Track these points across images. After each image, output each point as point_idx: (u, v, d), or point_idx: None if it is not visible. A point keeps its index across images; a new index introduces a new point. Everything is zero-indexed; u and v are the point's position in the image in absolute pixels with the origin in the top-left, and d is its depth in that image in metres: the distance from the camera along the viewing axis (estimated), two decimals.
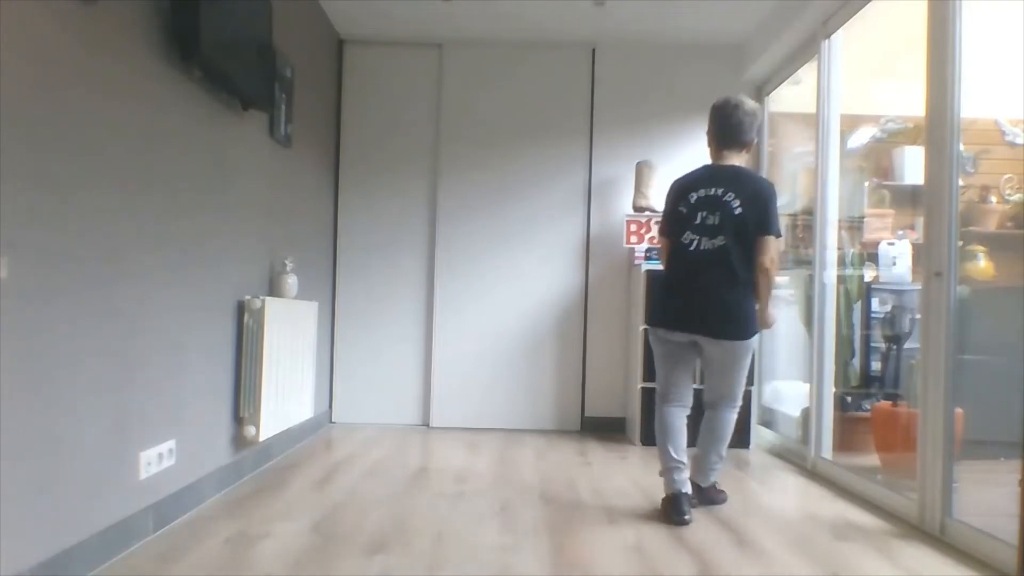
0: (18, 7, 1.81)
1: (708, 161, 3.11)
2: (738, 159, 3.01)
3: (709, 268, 2.87)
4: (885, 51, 4.19)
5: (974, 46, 2.79)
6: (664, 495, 2.97)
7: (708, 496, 3.12)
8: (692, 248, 2.91)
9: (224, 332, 3.11)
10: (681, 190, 3.02)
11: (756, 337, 2.94)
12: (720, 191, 2.90)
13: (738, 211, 2.85)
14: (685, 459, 2.97)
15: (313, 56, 4.37)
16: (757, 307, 2.92)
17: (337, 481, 3.39)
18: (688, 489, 2.94)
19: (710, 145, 3.08)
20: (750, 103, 3.01)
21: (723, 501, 3.15)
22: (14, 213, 1.81)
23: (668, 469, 2.96)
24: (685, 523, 2.84)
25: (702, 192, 2.93)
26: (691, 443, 3.07)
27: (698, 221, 2.90)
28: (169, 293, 2.62)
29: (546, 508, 3.05)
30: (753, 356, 3.03)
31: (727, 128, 2.98)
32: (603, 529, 2.78)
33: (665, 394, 3.06)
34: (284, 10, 3.67)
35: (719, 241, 2.86)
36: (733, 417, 3.07)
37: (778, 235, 2.89)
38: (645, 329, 4.42)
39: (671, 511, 2.88)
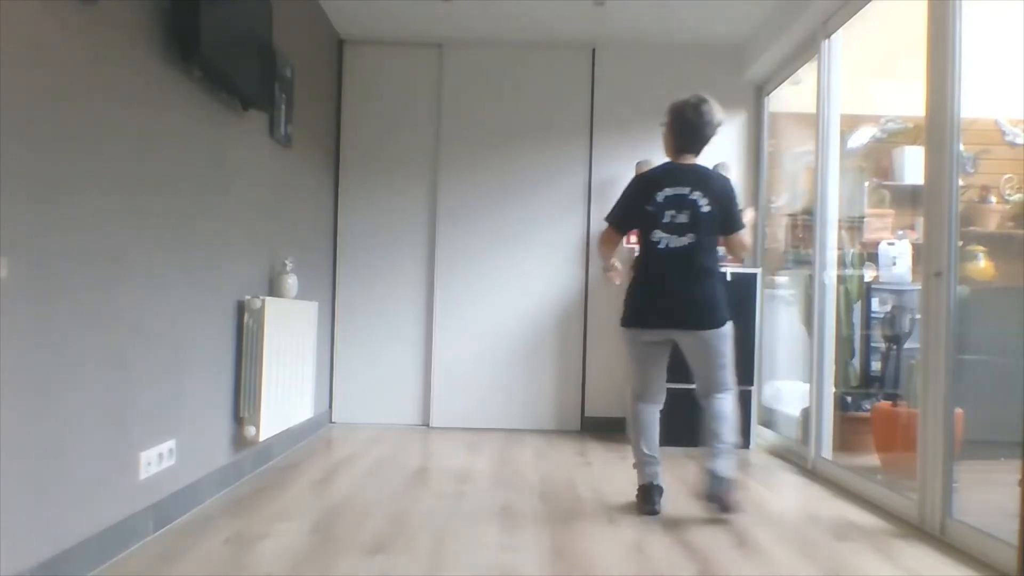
0: (18, 7, 1.81)
1: (705, 160, 3.15)
2: (695, 159, 3.09)
3: (680, 265, 2.97)
4: (885, 51, 4.19)
5: (974, 46, 2.79)
6: (638, 485, 3.06)
7: (724, 497, 2.91)
8: (662, 247, 2.99)
9: (224, 332, 3.11)
10: (647, 187, 3.05)
11: (730, 324, 3.02)
12: (687, 190, 2.98)
13: (706, 210, 2.96)
14: (658, 454, 3.06)
15: (313, 56, 4.37)
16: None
17: (337, 481, 3.39)
18: (660, 482, 3.05)
19: (669, 143, 3.12)
20: (716, 114, 3.06)
21: (737, 509, 2.95)
22: (14, 213, 1.81)
23: (641, 462, 3.05)
24: (655, 513, 2.95)
25: (669, 191, 2.99)
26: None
27: (666, 220, 2.98)
28: (169, 293, 2.62)
29: (546, 508, 3.05)
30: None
31: (694, 134, 3.05)
32: (603, 529, 2.78)
33: (642, 393, 3.12)
34: (284, 10, 3.67)
35: (688, 239, 2.96)
36: (731, 399, 3.06)
37: (743, 226, 3.07)
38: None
39: (643, 501, 2.99)
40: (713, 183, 3.00)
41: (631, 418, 3.15)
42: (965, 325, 2.87)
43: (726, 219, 3.00)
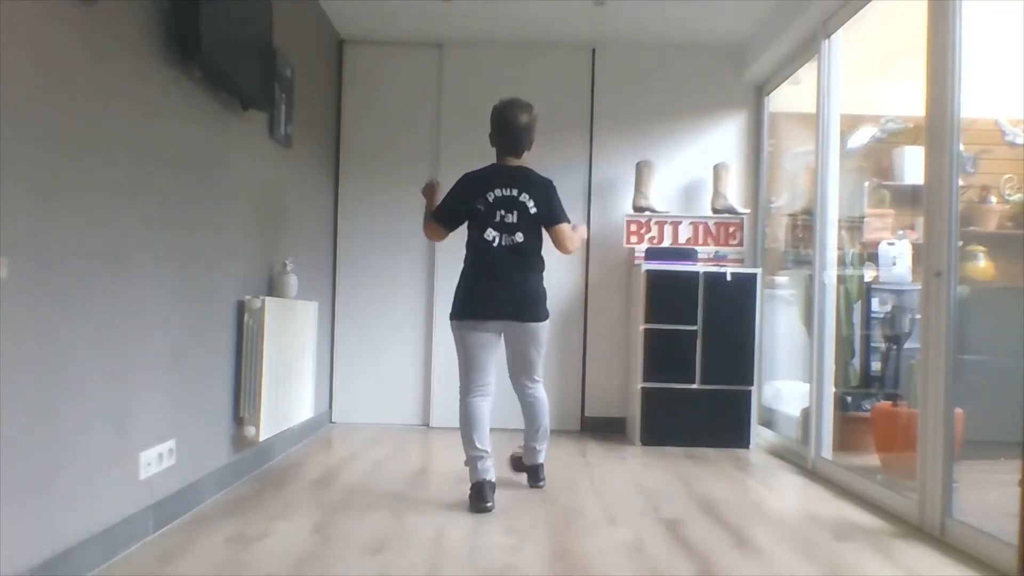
0: (18, 7, 1.81)
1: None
2: (518, 161, 3.28)
3: (511, 262, 3.16)
4: (885, 51, 4.19)
5: (974, 46, 2.79)
6: (470, 483, 3.03)
7: (538, 472, 3.36)
8: (495, 244, 3.15)
9: (224, 332, 3.11)
10: (477, 187, 3.21)
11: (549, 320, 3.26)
12: (516, 191, 3.18)
13: (533, 210, 3.17)
14: (489, 448, 3.08)
15: (313, 56, 4.37)
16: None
17: (337, 481, 3.39)
18: (492, 477, 3.05)
19: (494, 146, 3.33)
20: (528, 115, 3.28)
21: (542, 483, 3.35)
22: (14, 213, 1.81)
23: (473, 458, 3.06)
24: (488, 510, 2.95)
25: (499, 192, 3.17)
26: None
27: (497, 219, 3.16)
28: (169, 293, 2.62)
29: (546, 508, 3.05)
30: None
31: (513, 137, 3.27)
32: (603, 529, 2.78)
33: (470, 387, 3.17)
34: (284, 10, 3.67)
35: (518, 237, 3.16)
36: (542, 390, 3.32)
37: (567, 220, 3.26)
38: (645, 329, 4.44)
39: (476, 499, 2.99)
40: (536, 184, 3.24)
41: (461, 414, 3.16)
42: (965, 325, 2.87)
43: (548, 214, 3.21)
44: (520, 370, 3.27)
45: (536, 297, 3.21)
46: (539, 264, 3.24)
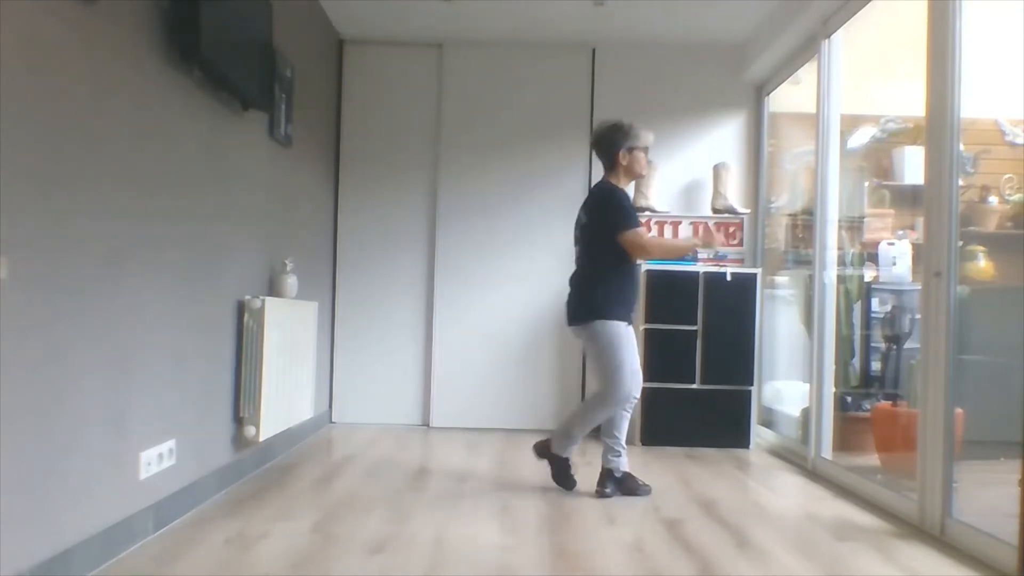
0: (18, 7, 1.81)
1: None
2: (610, 176, 3.40)
3: (575, 273, 3.41)
4: (885, 51, 4.19)
5: (974, 46, 2.79)
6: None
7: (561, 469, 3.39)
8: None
9: (224, 332, 3.11)
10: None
11: (598, 323, 3.22)
12: (582, 211, 3.42)
13: (584, 223, 3.36)
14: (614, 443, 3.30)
15: (313, 56, 4.37)
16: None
17: (337, 481, 3.39)
18: (612, 467, 3.28)
19: None
20: (597, 134, 3.45)
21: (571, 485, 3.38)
22: (14, 213, 1.81)
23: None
24: (606, 496, 3.21)
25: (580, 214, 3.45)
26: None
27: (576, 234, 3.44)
28: (169, 293, 2.62)
29: (546, 508, 3.05)
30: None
31: (594, 149, 3.48)
32: (603, 529, 2.78)
33: None
34: (284, 10, 3.67)
35: (577, 251, 3.42)
36: (596, 401, 3.29)
37: (625, 228, 3.24)
38: (645, 329, 4.44)
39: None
40: (590, 197, 3.43)
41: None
42: (965, 325, 2.87)
43: (597, 224, 3.30)
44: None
45: (575, 303, 3.32)
46: (588, 271, 3.33)
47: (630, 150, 3.35)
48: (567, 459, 3.37)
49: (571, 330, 3.37)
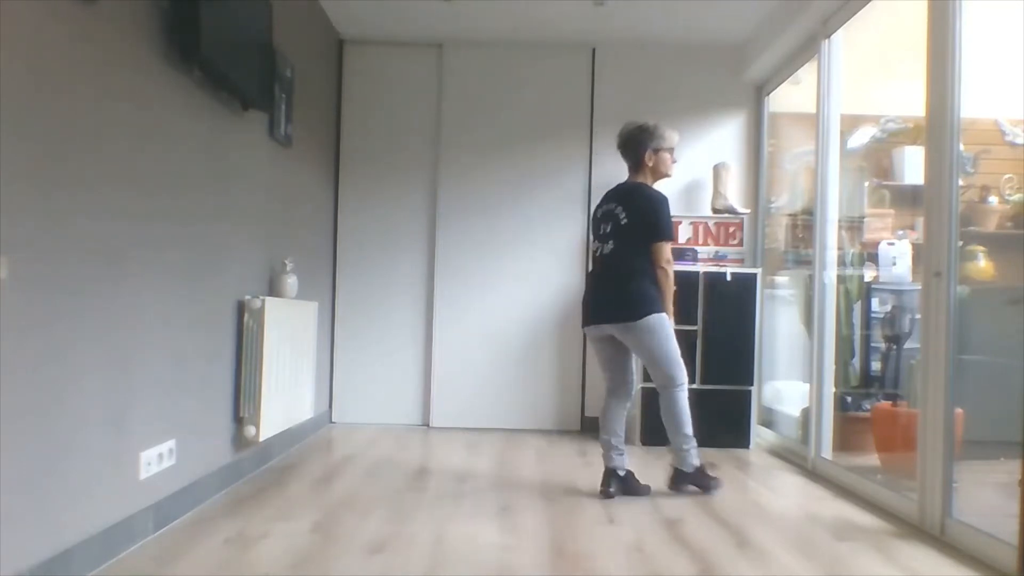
0: (18, 7, 1.81)
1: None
2: (637, 176, 3.43)
3: (602, 271, 3.37)
4: (885, 51, 4.19)
5: (974, 46, 2.79)
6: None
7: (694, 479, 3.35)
8: (596, 254, 3.42)
9: (224, 332, 3.11)
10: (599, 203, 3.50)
11: (653, 317, 3.22)
12: (614, 206, 3.36)
13: (624, 221, 3.30)
14: (613, 440, 3.32)
15: (313, 56, 4.37)
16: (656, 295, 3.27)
17: (337, 481, 3.39)
18: (615, 466, 3.30)
19: None
20: (628, 126, 3.44)
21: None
22: (14, 213, 1.81)
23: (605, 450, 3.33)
24: (610, 496, 3.22)
25: (604, 207, 3.42)
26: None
27: (600, 232, 3.40)
28: (169, 293, 2.62)
29: (546, 508, 3.05)
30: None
31: (623, 155, 3.46)
32: (603, 529, 2.78)
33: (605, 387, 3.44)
34: (284, 10, 3.67)
35: (608, 247, 3.34)
36: (670, 395, 3.31)
37: (664, 240, 3.27)
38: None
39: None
40: (632, 198, 3.35)
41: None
42: (965, 325, 2.87)
43: (642, 227, 3.29)
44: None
45: (619, 299, 3.27)
46: (630, 267, 3.27)
47: (656, 151, 3.38)
48: (700, 466, 3.35)
49: (609, 328, 3.29)
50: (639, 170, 3.40)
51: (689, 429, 3.30)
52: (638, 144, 3.38)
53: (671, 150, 3.42)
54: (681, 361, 3.30)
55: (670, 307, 3.27)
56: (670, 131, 3.42)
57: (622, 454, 3.30)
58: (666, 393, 3.31)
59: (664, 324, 3.24)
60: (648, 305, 3.22)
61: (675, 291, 3.32)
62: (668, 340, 3.26)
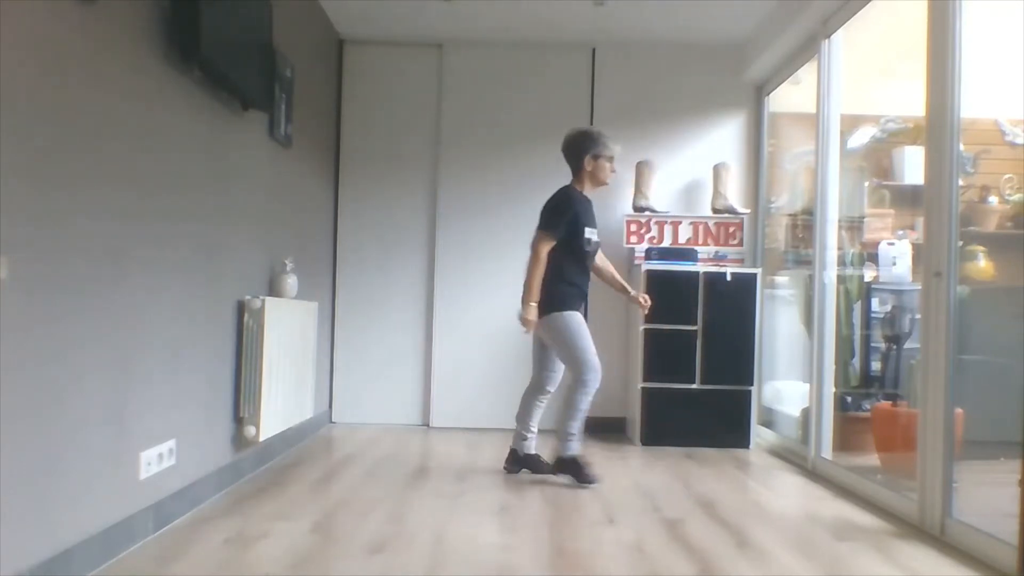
0: (18, 7, 1.81)
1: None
2: (575, 182, 3.55)
3: None
4: (885, 51, 4.19)
5: (974, 46, 2.79)
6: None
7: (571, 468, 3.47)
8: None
9: (224, 332, 3.11)
10: None
11: (555, 315, 3.40)
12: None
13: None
14: (522, 428, 3.60)
15: (313, 56, 4.37)
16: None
17: (337, 481, 3.39)
18: (521, 451, 3.60)
19: None
20: (572, 131, 3.54)
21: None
22: (14, 213, 1.81)
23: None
24: (511, 472, 3.56)
25: None
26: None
27: None
28: (169, 293, 2.62)
29: (546, 508, 3.05)
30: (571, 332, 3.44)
31: (563, 153, 3.57)
32: (603, 529, 2.78)
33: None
34: (284, 10, 3.67)
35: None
36: (573, 391, 3.41)
37: (539, 229, 3.48)
38: (645, 329, 4.44)
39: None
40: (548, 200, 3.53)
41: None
42: (965, 325, 2.87)
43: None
44: None
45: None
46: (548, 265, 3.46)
47: (596, 157, 3.47)
48: (577, 456, 3.45)
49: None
50: (577, 175, 3.52)
51: (575, 429, 3.41)
52: (579, 149, 3.48)
53: (611, 159, 3.51)
54: (590, 361, 3.38)
55: (530, 294, 3.41)
56: (613, 141, 3.51)
57: (525, 439, 3.58)
58: (572, 388, 3.42)
59: (567, 323, 3.38)
60: (549, 303, 3.39)
61: (530, 295, 3.41)
62: (573, 337, 3.37)
